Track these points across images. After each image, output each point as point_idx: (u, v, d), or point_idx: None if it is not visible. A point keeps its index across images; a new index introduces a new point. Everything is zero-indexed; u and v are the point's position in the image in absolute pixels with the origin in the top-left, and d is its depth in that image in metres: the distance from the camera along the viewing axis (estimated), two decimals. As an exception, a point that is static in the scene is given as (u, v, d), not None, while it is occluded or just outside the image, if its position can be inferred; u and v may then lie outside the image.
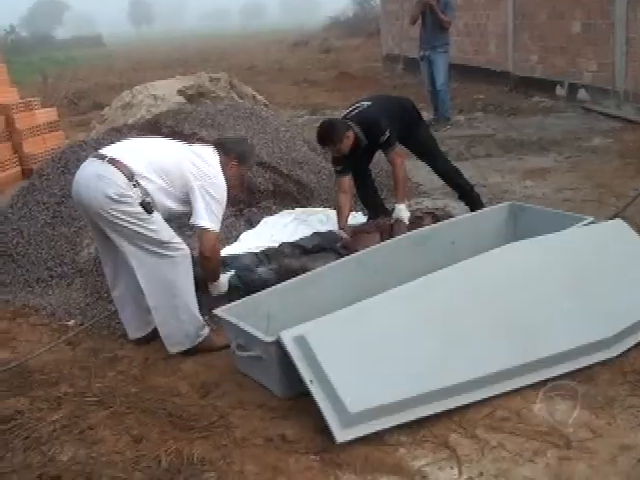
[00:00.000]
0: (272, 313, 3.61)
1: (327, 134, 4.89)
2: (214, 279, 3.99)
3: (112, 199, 3.49)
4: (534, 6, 11.92)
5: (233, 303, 3.66)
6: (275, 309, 3.65)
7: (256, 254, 4.55)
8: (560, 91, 11.20)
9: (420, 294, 3.35)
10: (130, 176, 3.53)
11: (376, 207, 5.45)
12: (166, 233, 3.64)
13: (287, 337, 3.03)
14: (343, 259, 4.16)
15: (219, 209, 3.71)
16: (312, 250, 4.63)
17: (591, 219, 4.26)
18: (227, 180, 3.79)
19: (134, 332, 3.96)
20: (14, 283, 4.89)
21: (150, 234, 3.57)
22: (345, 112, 5.21)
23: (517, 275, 3.52)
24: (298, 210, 5.61)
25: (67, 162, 5.71)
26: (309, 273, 3.98)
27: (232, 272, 4.20)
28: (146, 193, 3.56)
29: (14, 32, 48.35)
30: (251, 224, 5.32)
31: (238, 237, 5.09)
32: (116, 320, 4.22)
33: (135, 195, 3.52)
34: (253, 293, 4.18)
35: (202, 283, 3.95)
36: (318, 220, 5.39)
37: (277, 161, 6.08)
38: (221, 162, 3.83)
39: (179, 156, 3.73)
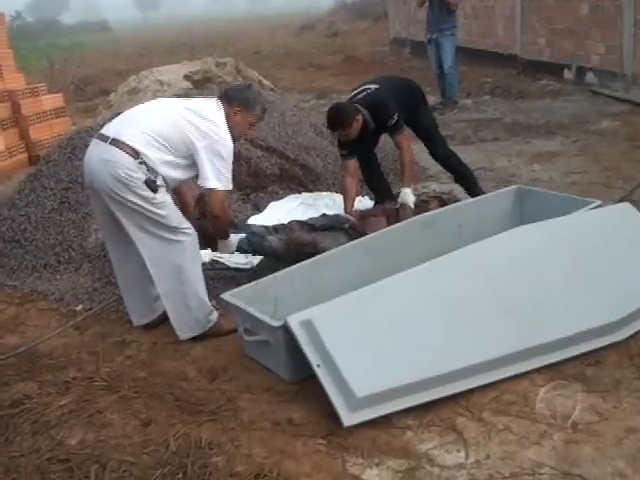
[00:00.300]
0: (279, 297, 3.62)
1: (337, 119, 4.85)
2: (224, 237, 3.99)
3: (123, 183, 3.48)
4: (542, -13, 11.83)
5: (240, 287, 3.67)
6: (282, 293, 3.66)
7: (266, 227, 4.56)
8: (568, 74, 11.13)
9: (427, 278, 3.35)
10: (135, 155, 3.50)
11: (382, 191, 5.44)
12: (175, 218, 3.63)
13: (294, 321, 3.03)
14: (350, 243, 4.16)
15: (226, 166, 3.63)
16: (320, 229, 4.63)
17: (598, 203, 4.25)
18: (231, 129, 3.70)
19: (139, 319, 3.98)
20: (22, 269, 4.91)
21: (160, 219, 3.57)
22: (352, 94, 5.17)
23: (523, 259, 3.51)
24: (305, 194, 5.61)
25: (74, 148, 5.72)
26: (317, 257, 3.97)
27: (243, 235, 4.22)
28: (153, 170, 3.53)
29: (20, 18, 48.28)
30: (258, 209, 5.33)
31: (245, 222, 5.10)
32: (124, 305, 4.23)
33: (143, 174, 3.50)
34: (262, 256, 4.38)
35: (212, 239, 3.97)
36: (324, 204, 5.39)
37: (283, 145, 6.08)
38: (226, 113, 3.73)
39: (177, 120, 3.61)
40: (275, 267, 4.03)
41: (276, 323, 3.15)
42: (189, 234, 3.68)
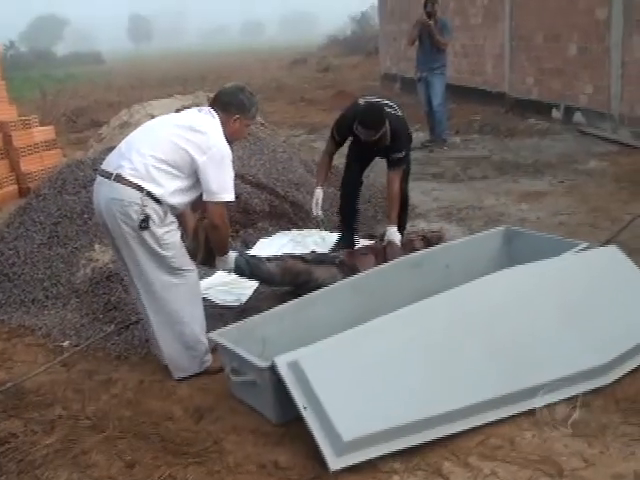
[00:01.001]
0: (267, 337, 3.61)
1: (373, 118, 4.82)
2: (223, 251, 3.93)
3: (131, 219, 3.47)
4: (530, 28, 12.01)
5: (228, 327, 3.66)
6: (271, 333, 3.66)
7: (260, 257, 4.58)
8: (556, 114, 11.26)
9: (414, 320, 3.36)
10: (140, 189, 3.48)
11: (351, 214, 5.38)
12: (179, 260, 3.63)
13: (281, 362, 3.03)
14: (338, 283, 4.17)
15: (229, 176, 3.62)
16: (312, 262, 4.65)
17: (585, 245, 4.29)
18: (231, 136, 3.70)
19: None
20: (10, 303, 4.89)
21: (164, 259, 3.57)
22: (373, 99, 5.17)
23: (511, 301, 3.53)
24: (294, 231, 5.64)
25: (64, 182, 5.74)
26: (305, 296, 3.98)
27: (241, 256, 4.25)
28: (160, 202, 3.51)
29: (13, 47, 48.50)
30: (246, 245, 5.34)
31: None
32: (111, 341, 4.25)
33: (151, 209, 3.48)
34: (256, 280, 4.45)
35: (211, 256, 3.96)
36: (314, 242, 5.42)
37: (274, 182, 6.11)
38: (222, 120, 3.68)
39: (175, 140, 3.55)
40: (263, 307, 4.04)
41: (263, 364, 3.14)
42: (190, 275, 3.69)
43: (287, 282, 4.53)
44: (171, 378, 3.75)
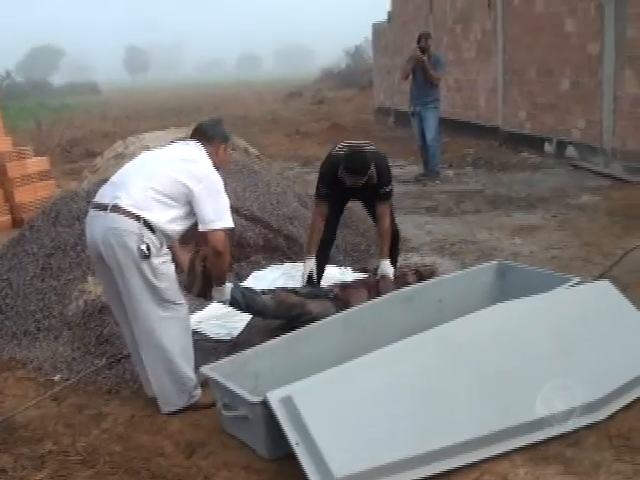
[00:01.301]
0: (260, 372, 3.60)
1: (361, 164, 4.78)
2: (222, 280, 3.95)
3: (129, 249, 3.49)
4: (523, 63, 12.15)
5: (220, 361, 3.65)
6: (263, 367, 3.64)
7: (255, 290, 4.58)
8: (548, 148, 11.35)
9: (406, 355, 3.35)
10: (137, 219, 3.51)
11: (321, 258, 5.21)
12: (172, 292, 3.64)
13: (274, 397, 3.02)
14: (331, 317, 4.17)
15: (225, 203, 3.68)
16: (306, 295, 4.65)
17: (577, 279, 4.30)
18: (220, 164, 3.80)
19: (150, 391, 3.87)
20: (1, 335, 4.86)
21: (157, 291, 3.57)
22: (350, 144, 5.09)
23: (503, 337, 3.53)
24: (287, 265, 5.64)
25: (58, 214, 5.74)
26: (297, 331, 3.98)
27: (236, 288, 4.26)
28: (156, 232, 3.54)
29: (10, 77, 48.79)
30: (239, 279, 5.33)
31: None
32: (102, 375, 4.22)
33: (147, 239, 3.51)
34: (251, 313, 4.44)
35: (207, 287, 3.95)
36: (307, 275, 5.40)
37: (268, 216, 6.11)
38: (209, 152, 3.78)
39: (170, 171, 3.62)
40: (255, 341, 4.03)
41: (255, 399, 3.13)
42: (181, 309, 3.69)
43: (281, 315, 4.53)
44: (163, 413, 3.72)
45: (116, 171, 6.51)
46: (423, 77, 10.03)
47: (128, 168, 3.81)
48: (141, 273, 3.52)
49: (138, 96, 44.56)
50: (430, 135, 10.06)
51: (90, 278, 5.09)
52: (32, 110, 27.73)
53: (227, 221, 3.67)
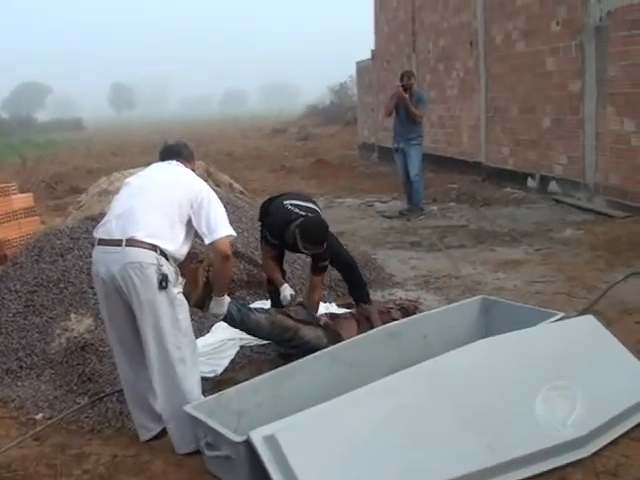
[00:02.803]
0: (244, 409, 3.56)
1: (325, 232, 4.79)
2: (224, 289, 3.97)
3: (150, 281, 3.48)
4: (505, 100, 12.30)
5: (204, 399, 3.61)
6: (247, 405, 3.61)
7: (251, 307, 4.59)
8: (531, 183, 11.45)
9: (392, 392, 3.33)
10: (154, 248, 3.51)
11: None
12: (186, 323, 3.65)
13: (257, 437, 2.99)
14: (315, 354, 4.14)
15: (221, 213, 3.71)
16: (300, 320, 4.62)
17: (561, 315, 4.31)
18: None
19: (145, 433, 3.82)
20: (-17, 374, 4.80)
21: (176, 322, 3.57)
22: (302, 203, 5.03)
23: (488, 373, 3.53)
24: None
25: (41, 250, 5.72)
26: (281, 368, 3.95)
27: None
28: (171, 259, 3.58)
29: (-5, 114, 48.91)
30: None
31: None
32: (84, 414, 4.17)
33: (166, 268, 3.52)
34: (244, 330, 4.43)
35: (206, 299, 3.94)
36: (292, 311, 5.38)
37: (252, 251, 6.11)
38: (189, 169, 3.92)
39: (172, 194, 3.66)
40: (239, 378, 4.00)
41: (238, 438, 3.09)
42: (194, 345, 3.73)
43: (274, 336, 4.52)
44: (145, 453, 3.66)
45: (100, 207, 6.51)
46: (406, 114, 10.14)
47: (127, 199, 3.74)
48: (162, 303, 3.52)
49: (123, 132, 44.69)
50: (414, 171, 10.14)
51: (73, 315, 5.05)
52: (17, 146, 27.75)
53: (229, 229, 3.70)
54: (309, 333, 4.53)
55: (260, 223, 5.24)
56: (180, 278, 3.69)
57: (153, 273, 3.49)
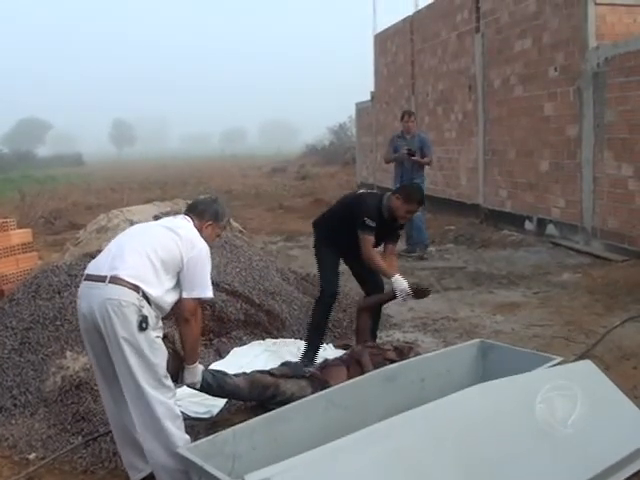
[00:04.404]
0: (239, 452, 3.52)
1: (423, 194, 5.50)
2: (194, 355, 3.89)
3: (128, 320, 3.46)
4: (504, 144, 12.38)
5: (198, 441, 3.58)
6: (242, 448, 3.56)
7: (226, 372, 4.51)
8: (529, 225, 11.49)
9: (389, 437, 3.29)
10: (136, 289, 3.51)
11: (323, 330, 5.47)
12: (163, 370, 3.61)
13: (252, 481, 2.95)
14: (312, 396, 4.11)
15: (208, 274, 3.74)
16: (281, 376, 4.59)
17: (559, 359, 4.30)
18: (205, 240, 3.84)
19: (136, 474, 3.78)
20: (-24, 411, 4.76)
21: (153, 368, 3.54)
22: (367, 191, 5.95)
23: (485, 418, 3.50)
24: (269, 341, 5.61)
25: (38, 287, 5.71)
26: (277, 410, 3.91)
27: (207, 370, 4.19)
28: (153, 304, 3.56)
29: (-4, 149, 49.17)
30: (220, 355, 5.29)
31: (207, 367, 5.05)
32: (78, 454, 4.13)
33: (146, 310, 3.51)
34: (222, 396, 4.33)
35: (177, 371, 3.86)
36: (289, 352, 5.38)
37: (249, 290, 6.10)
38: (197, 226, 3.88)
39: (164, 240, 3.69)
40: (234, 419, 3.96)
41: (233, 482, 3.06)
42: (172, 390, 3.66)
43: (255, 396, 4.44)
44: (137, 494, 3.62)
45: (98, 244, 6.53)
46: (411, 164, 10.10)
47: (121, 239, 3.83)
48: (138, 346, 3.49)
49: (123, 168, 44.87)
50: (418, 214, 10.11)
51: (68, 353, 5.03)
52: (17, 181, 27.85)
53: (209, 291, 3.75)
54: (291, 387, 4.47)
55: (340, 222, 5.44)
56: (160, 323, 3.66)
57: (132, 313, 3.48)
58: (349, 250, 5.37)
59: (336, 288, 5.41)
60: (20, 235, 9.37)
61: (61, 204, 19.56)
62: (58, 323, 5.30)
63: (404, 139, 10.30)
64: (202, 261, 3.72)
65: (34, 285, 5.80)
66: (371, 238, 5.23)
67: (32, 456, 4.19)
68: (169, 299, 3.69)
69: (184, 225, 3.85)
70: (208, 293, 3.74)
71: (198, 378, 3.98)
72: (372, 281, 5.50)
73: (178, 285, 3.71)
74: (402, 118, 10.45)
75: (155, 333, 3.58)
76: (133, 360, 3.50)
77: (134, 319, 3.48)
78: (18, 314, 5.50)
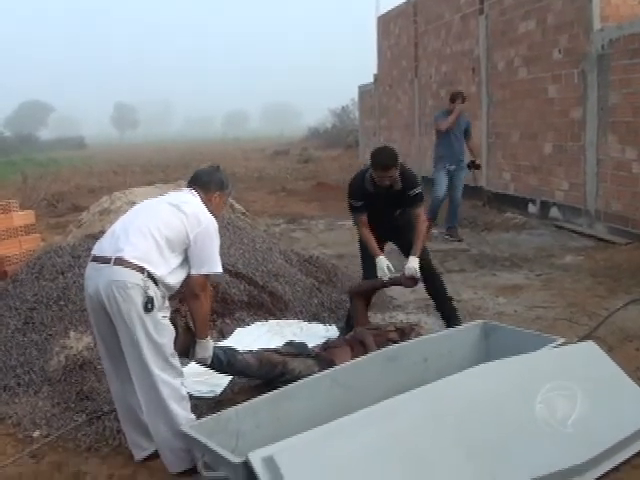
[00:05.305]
0: (243, 431, 3.54)
1: (389, 156, 5.11)
2: (204, 330, 3.88)
3: (133, 302, 3.47)
4: (507, 126, 12.34)
5: (201, 419, 3.59)
6: (245, 426, 3.58)
7: (236, 349, 4.54)
8: (532, 208, 11.46)
9: (392, 415, 3.31)
10: (141, 270, 3.50)
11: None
12: (170, 349, 3.62)
13: (256, 458, 2.96)
14: (315, 375, 4.12)
15: (216, 249, 3.71)
16: (288, 354, 4.61)
17: (562, 340, 4.29)
18: (212, 212, 3.80)
19: (140, 452, 3.80)
20: (-20, 390, 4.78)
21: (160, 348, 3.55)
22: None
23: (487, 398, 3.51)
24: (272, 322, 5.61)
25: (42, 268, 5.72)
26: (281, 389, 3.93)
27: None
28: (159, 283, 3.55)
29: (-2, 132, 49.14)
30: (223, 335, 5.29)
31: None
32: (82, 432, 4.15)
33: (152, 291, 3.50)
34: (232, 373, 4.33)
35: (190, 344, 3.89)
36: (292, 332, 5.39)
37: (252, 272, 6.11)
38: (203, 199, 3.83)
39: (168, 218, 3.65)
40: (238, 399, 3.97)
41: (237, 459, 3.06)
42: (174, 370, 3.65)
43: (264, 373, 4.47)
44: (142, 472, 3.64)
45: (101, 226, 6.52)
46: (460, 138, 9.98)
47: (125, 220, 3.79)
48: (144, 326, 3.50)
49: (125, 152, 44.80)
50: (459, 194, 10.12)
51: (72, 333, 5.04)
52: (19, 164, 27.83)
53: (218, 267, 3.73)
54: (298, 365, 4.49)
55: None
56: (166, 302, 3.66)
57: (137, 294, 3.47)
58: (385, 232, 5.37)
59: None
60: (23, 217, 9.38)
61: (63, 187, 19.56)
62: (62, 303, 5.31)
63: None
64: (210, 236, 3.68)
65: (37, 266, 5.82)
66: (361, 217, 5.28)
67: (36, 434, 4.21)
68: (177, 277, 3.67)
69: (190, 200, 3.79)
70: (217, 268, 3.72)
71: (209, 353, 3.99)
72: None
73: (186, 262, 3.68)
74: (453, 100, 10.12)
75: (161, 314, 3.58)
76: (139, 341, 3.50)
77: (139, 300, 3.48)
78: (22, 295, 5.51)
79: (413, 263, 5.18)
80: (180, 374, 3.70)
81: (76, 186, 19.91)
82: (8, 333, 5.16)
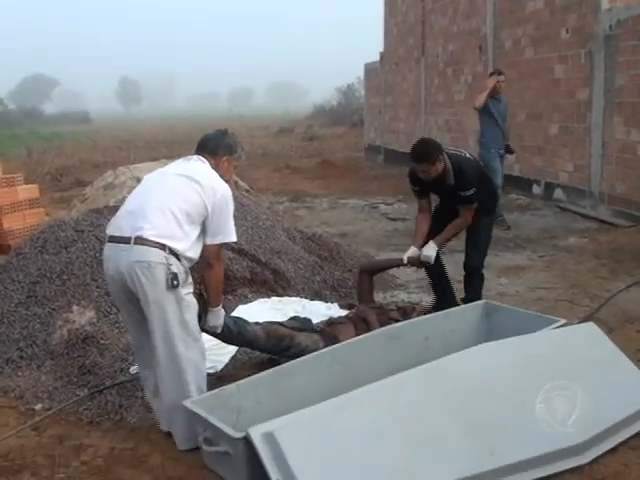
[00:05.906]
0: (243, 407, 3.57)
1: (419, 151, 5.06)
2: (218, 297, 3.88)
3: (160, 281, 3.46)
4: (513, 107, 12.19)
5: (204, 395, 3.61)
6: (246, 402, 3.61)
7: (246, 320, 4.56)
8: (537, 189, 11.44)
9: (392, 393, 3.33)
10: (162, 247, 3.48)
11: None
12: (195, 325, 3.66)
13: (256, 433, 2.98)
14: (316, 353, 4.15)
15: (231, 218, 3.70)
16: (294, 328, 4.63)
17: (563, 321, 4.31)
18: (222, 177, 3.77)
19: (166, 425, 3.82)
20: (-17, 363, 4.81)
21: (187, 325, 3.58)
22: (447, 148, 5.33)
23: (487, 377, 3.52)
24: (274, 299, 5.62)
25: (45, 242, 5.72)
26: (282, 366, 3.96)
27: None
28: (182, 258, 3.54)
29: (2, 104, 48.98)
30: (225, 311, 5.29)
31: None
32: (84, 406, 4.17)
33: (175, 267, 3.49)
34: (241, 344, 4.35)
35: (200, 315, 3.86)
36: (293, 310, 5.40)
37: (255, 249, 6.12)
38: (212, 164, 3.78)
39: (183, 190, 3.61)
40: (239, 375, 3.99)
41: (237, 434, 3.09)
42: (201, 345, 3.71)
43: (270, 346, 4.48)
44: (143, 447, 3.67)
45: (105, 201, 6.51)
46: (504, 125, 9.32)
47: (139, 195, 3.74)
48: (170, 304, 3.51)
49: (130, 127, 44.70)
50: (501, 179, 9.37)
51: (75, 307, 5.06)
52: (23, 138, 27.80)
53: (233, 236, 3.72)
54: (305, 339, 4.52)
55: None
56: (189, 278, 3.66)
57: (162, 273, 3.46)
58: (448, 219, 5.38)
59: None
60: (27, 191, 9.41)
61: (68, 161, 19.56)
62: (65, 277, 5.32)
63: (497, 100, 9.32)
64: (226, 205, 3.66)
65: (41, 240, 5.82)
66: (420, 200, 5.36)
67: (38, 407, 4.24)
68: (198, 248, 3.65)
69: (201, 169, 3.73)
70: (232, 237, 3.71)
71: (221, 321, 3.98)
72: (469, 244, 5.55)
73: (203, 233, 3.66)
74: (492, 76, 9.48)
75: (185, 290, 3.58)
76: (168, 320, 3.52)
77: (163, 278, 3.46)
78: (25, 268, 5.52)
79: (431, 252, 5.16)
80: (203, 351, 3.73)
81: (80, 160, 19.90)
82: (11, 306, 5.18)
